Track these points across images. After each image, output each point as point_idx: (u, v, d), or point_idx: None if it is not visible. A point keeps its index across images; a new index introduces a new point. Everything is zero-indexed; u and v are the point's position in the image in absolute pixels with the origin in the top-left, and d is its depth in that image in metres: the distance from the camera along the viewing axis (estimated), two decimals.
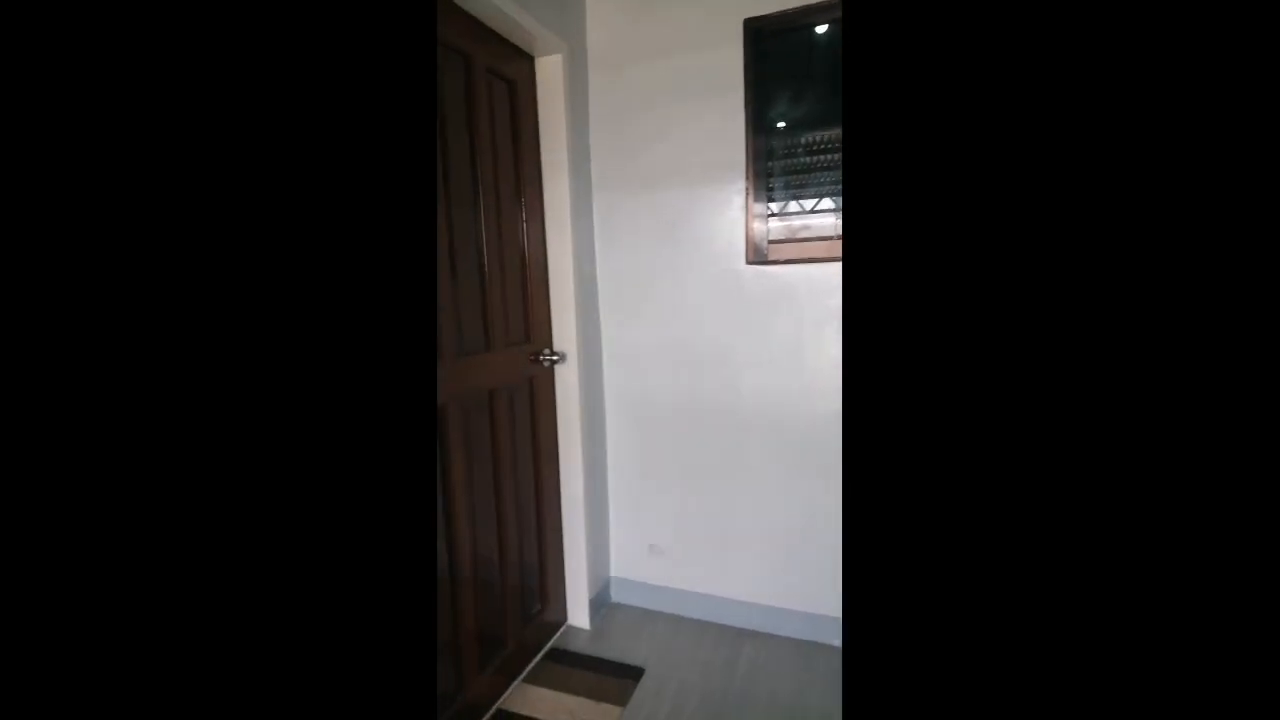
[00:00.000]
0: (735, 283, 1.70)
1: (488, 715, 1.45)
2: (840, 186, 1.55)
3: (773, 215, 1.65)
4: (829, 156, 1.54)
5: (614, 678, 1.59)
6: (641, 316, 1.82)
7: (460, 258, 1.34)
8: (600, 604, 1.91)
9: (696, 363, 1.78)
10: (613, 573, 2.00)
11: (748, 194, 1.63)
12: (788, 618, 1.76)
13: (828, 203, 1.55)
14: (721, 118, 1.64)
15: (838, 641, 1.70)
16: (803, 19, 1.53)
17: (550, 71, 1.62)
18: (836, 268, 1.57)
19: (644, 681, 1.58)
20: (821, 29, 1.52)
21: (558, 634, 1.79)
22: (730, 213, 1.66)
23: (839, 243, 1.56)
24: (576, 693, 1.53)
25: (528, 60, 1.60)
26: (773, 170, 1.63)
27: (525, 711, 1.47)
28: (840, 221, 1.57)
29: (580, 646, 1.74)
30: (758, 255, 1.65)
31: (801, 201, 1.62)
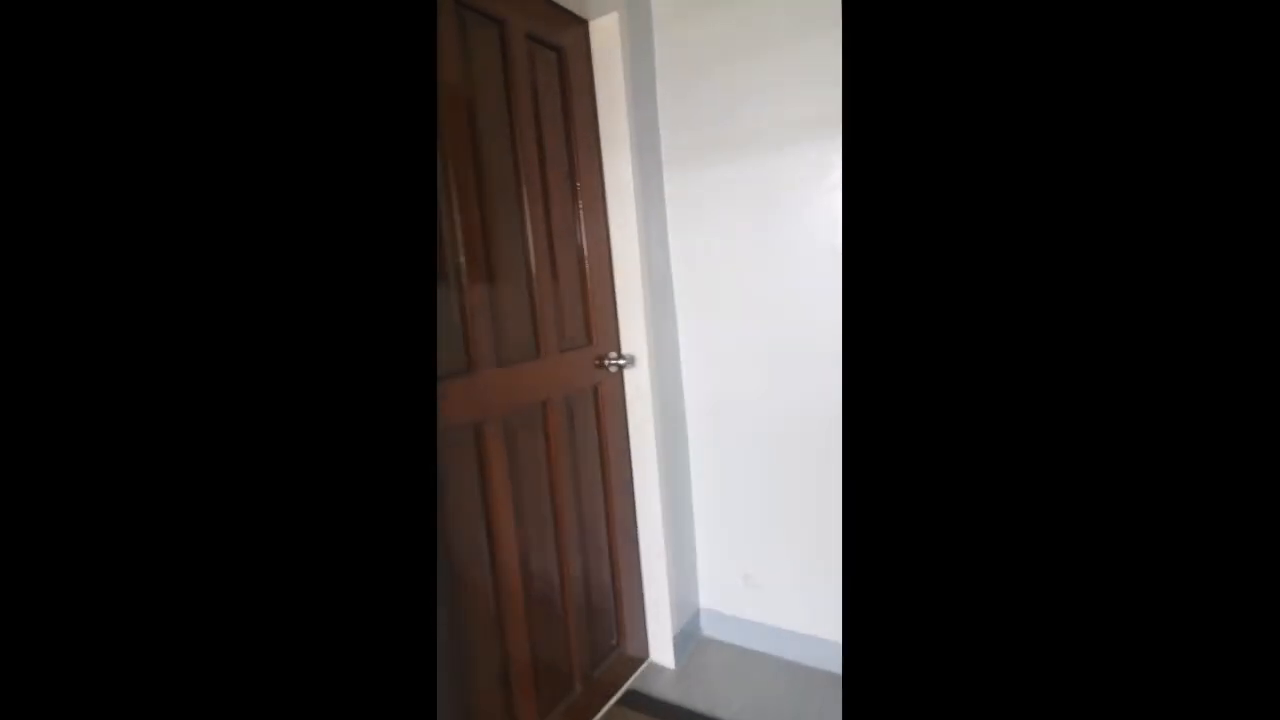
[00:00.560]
0: (838, 266, 1.38)
1: None
2: None
3: None
4: None
5: None
6: (725, 310, 1.56)
7: (500, 257, 1.18)
8: (688, 638, 1.68)
9: (792, 362, 1.48)
10: (703, 603, 1.76)
11: None
12: None
13: None
14: (815, 65, 1.33)
15: None
16: None
17: (605, 34, 1.41)
18: None
19: None
20: None
21: (637, 673, 1.59)
22: (830, 178, 1.34)
23: None
24: None
25: (578, 23, 1.40)
26: None
27: None
28: None
29: (662, 690, 1.53)
30: None
31: None
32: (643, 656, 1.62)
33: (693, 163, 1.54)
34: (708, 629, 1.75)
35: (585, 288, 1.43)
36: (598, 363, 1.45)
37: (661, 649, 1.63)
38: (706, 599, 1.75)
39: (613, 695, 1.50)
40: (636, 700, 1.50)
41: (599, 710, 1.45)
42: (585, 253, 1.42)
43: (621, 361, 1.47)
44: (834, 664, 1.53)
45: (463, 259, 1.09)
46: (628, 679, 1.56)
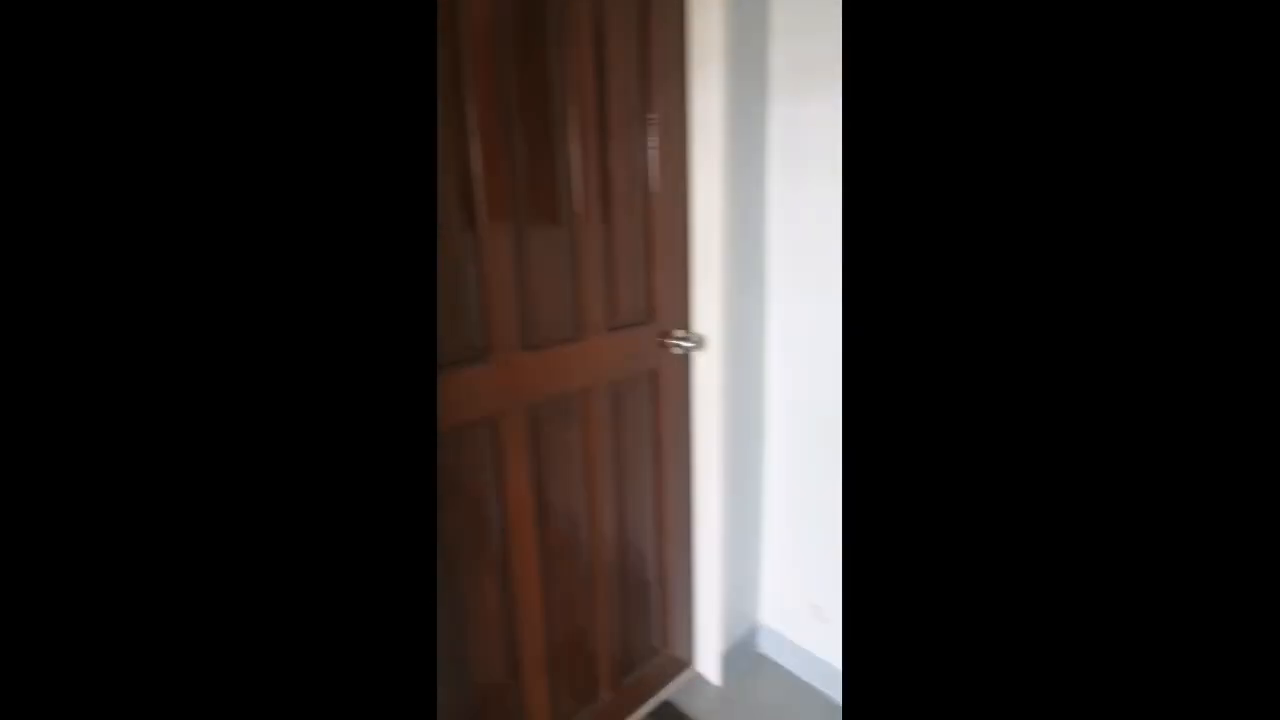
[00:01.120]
0: None
1: None
2: None
3: None
4: None
5: None
6: (830, 289, 1.22)
7: (529, 211, 0.94)
8: (742, 654, 1.49)
9: None
10: (763, 619, 1.54)
11: None
12: None
13: None
14: None
15: None
16: None
17: None
18: None
19: None
20: None
21: (675, 681, 1.43)
22: None
23: None
24: None
25: None
26: None
27: None
28: None
29: (700, 711, 1.36)
30: None
31: None
32: (684, 663, 1.46)
33: (814, 90, 1.16)
34: (766, 648, 1.54)
35: (651, 250, 1.15)
36: (660, 341, 1.20)
37: (707, 660, 1.45)
38: (768, 616, 1.53)
39: (645, 703, 1.36)
40: (668, 715, 1.35)
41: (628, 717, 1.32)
42: (655, 205, 1.13)
43: (689, 343, 1.20)
44: None
45: (482, 202, 0.86)
46: (663, 686, 1.41)
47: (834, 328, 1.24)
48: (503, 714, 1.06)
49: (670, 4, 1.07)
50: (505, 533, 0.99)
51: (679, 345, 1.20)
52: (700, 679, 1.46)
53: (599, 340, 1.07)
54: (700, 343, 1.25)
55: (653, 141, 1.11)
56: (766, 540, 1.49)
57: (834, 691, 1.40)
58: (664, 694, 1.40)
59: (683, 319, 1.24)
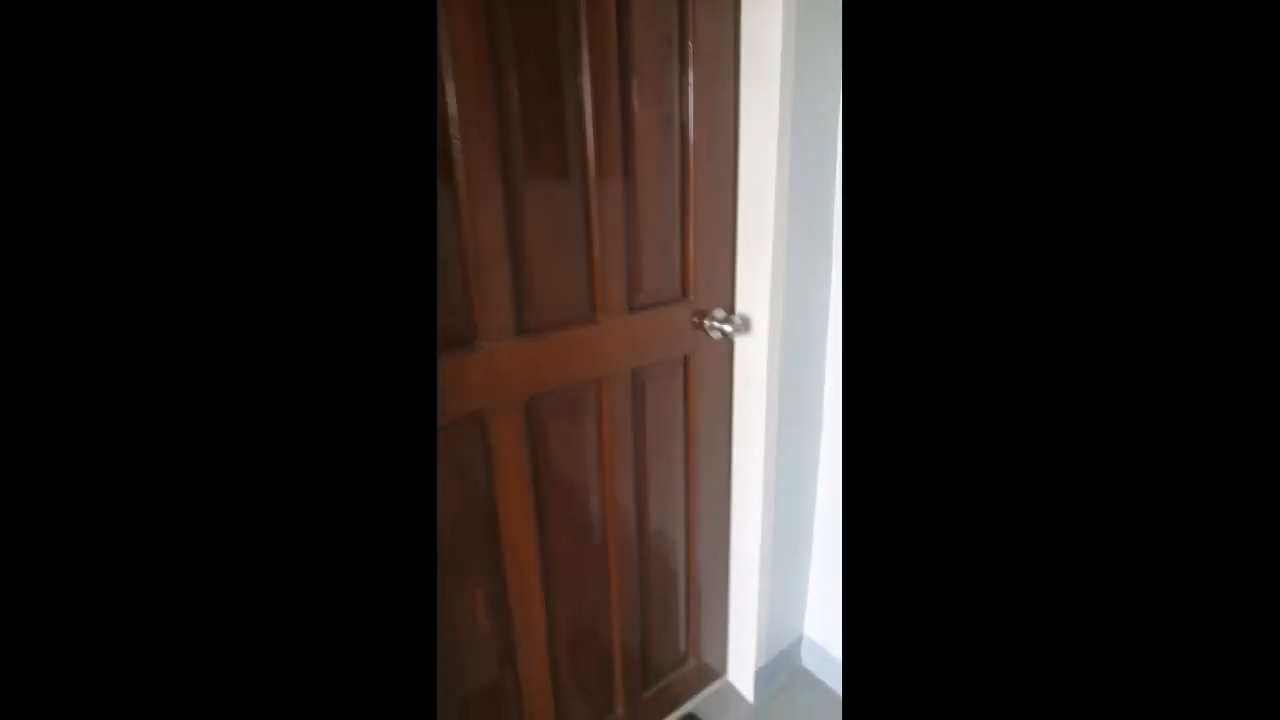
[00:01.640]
0: None
1: None
2: None
3: None
4: None
5: None
6: None
7: (526, 163, 0.76)
8: (781, 667, 1.34)
9: None
10: (807, 631, 1.38)
11: None
12: None
13: None
14: None
15: None
16: None
17: None
18: None
19: None
20: None
21: (705, 692, 1.31)
22: None
23: None
24: None
25: None
26: None
27: None
28: None
29: None
30: None
31: None
32: (716, 673, 1.33)
33: None
34: (809, 662, 1.38)
35: (687, 211, 0.95)
36: (696, 322, 1.01)
37: (741, 672, 1.31)
38: (813, 628, 1.36)
39: (668, 716, 1.24)
40: None
41: None
42: (692, 156, 0.93)
43: (729, 327, 1.01)
44: None
45: (459, 150, 0.70)
46: (691, 698, 1.28)
47: None
48: None
49: None
50: (499, 540, 0.87)
51: (718, 328, 1.01)
52: (732, 691, 1.32)
53: (617, 322, 0.90)
54: (745, 325, 1.05)
55: (691, 76, 0.89)
56: (818, 547, 1.30)
57: None
58: (689, 705, 1.28)
59: (724, 296, 1.05)
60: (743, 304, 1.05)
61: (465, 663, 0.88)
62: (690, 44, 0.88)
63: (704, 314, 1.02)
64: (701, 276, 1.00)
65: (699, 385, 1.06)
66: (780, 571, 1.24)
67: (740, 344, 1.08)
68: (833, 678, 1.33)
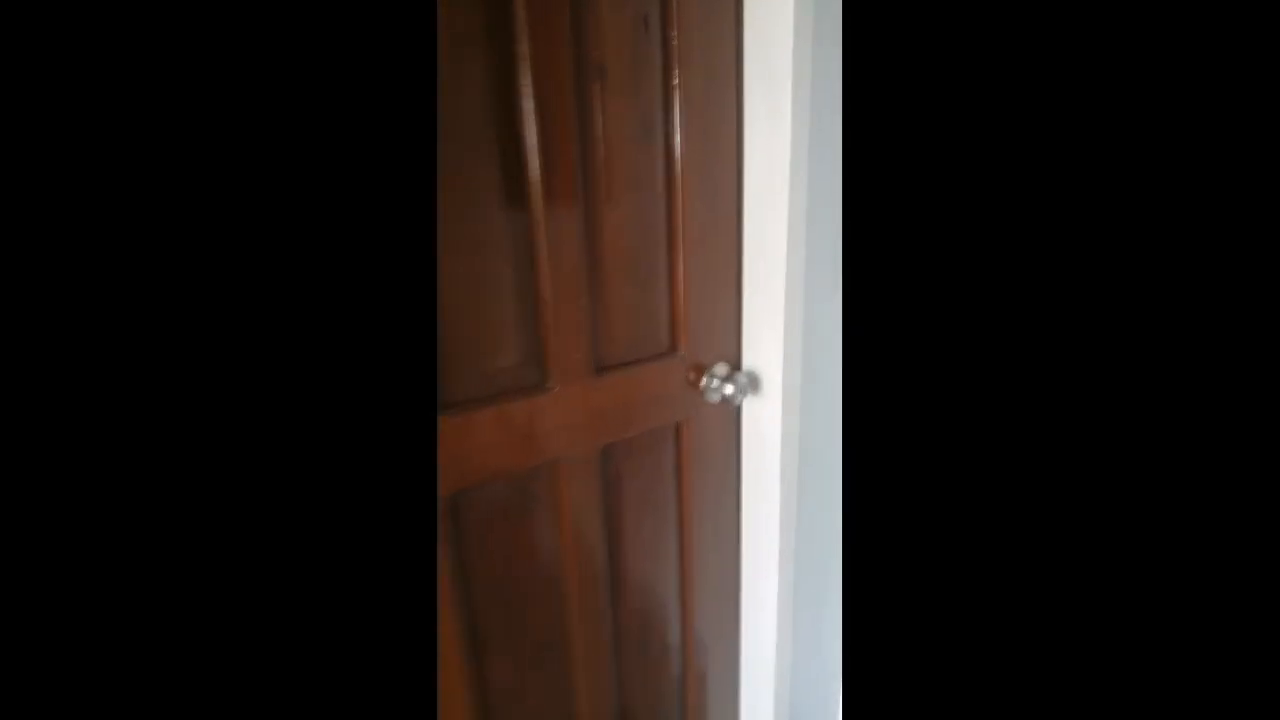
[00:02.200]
0: None
1: None
2: None
3: None
4: None
5: None
6: None
7: (463, 190, 0.57)
8: None
9: None
10: None
11: None
12: None
13: None
14: None
15: None
16: None
17: None
18: None
19: None
20: None
21: None
22: None
23: None
24: None
25: None
26: None
27: None
28: None
29: None
30: None
31: None
32: None
33: None
34: None
35: (674, 245, 0.75)
36: (692, 381, 0.80)
37: None
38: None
39: None
40: None
41: None
42: (680, 175, 0.73)
43: (731, 387, 0.79)
44: None
45: None
46: None
47: None
48: None
49: None
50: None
51: (719, 388, 0.79)
52: None
53: (578, 389, 0.70)
54: (753, 383, 0.83)
55: (677, 74, 0.69)
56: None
57: None
58: None
59: (726, 348, 0.83)
60: (751, 357, 0.83)
61: None
62: (674, 33, 0.68)
63: (701, 371, 0.81)
64: (696, 324, 0.79)
65: (696, 458, 0.84)
66: (800, 678, 1.00)
67: (749, 406, 0.86)
68: None
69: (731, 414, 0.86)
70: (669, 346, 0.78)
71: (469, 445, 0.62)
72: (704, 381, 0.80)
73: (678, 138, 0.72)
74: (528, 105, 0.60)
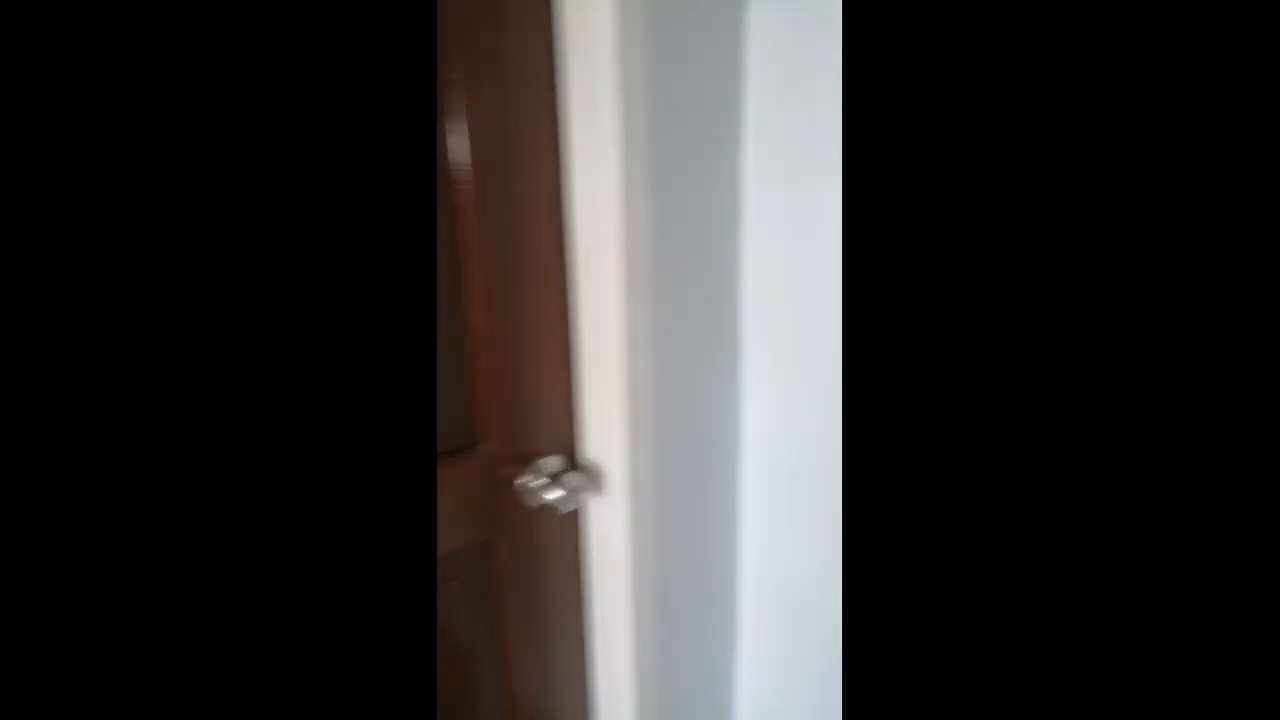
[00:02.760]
0: None
1: None
2: None
3: None
4: None
5: None
6: None
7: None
8: None
9: None
10: None
11: None
12: None
13: None
14: None
15: None
16: None
17: None
18: None
19: None
20: None
21: None
22: None
23: None
24: None
25: None
26: None
27: None
28: None
29: None
30: None
31: None
32: None
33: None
34: None
35: (465, 301, 0.55)
36: (504, 480, 0.59)
37: None
38: None
39: None
40: None
41: None
42: (467, 212, 0.53)
43: (560, 490, 0.58)
44: None
45: None
46: None
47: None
48: None
49: None
50: None
51: (545, 491, 0.58)
52: None
53: None
54: (593, 480, 0.63)
55: (451, 73, 0.51)
56: None
57: None
58: None
59: (555, 435, 0.62)
60: (592, 446, 0.63)
61: None
62: (455, 50, 0.50)
63: (519, 468, 0.60)
64: (509, 405, 0.58)
65: (517, 590, 0.62)
66: None
67: (594, 513, 0.65)
68: None
69: (567, 523, 0.65)
70: (466, 439, 0.57)
71: None
72: (520, 482, 0.59)
73: (465, 161, 0.52)
74: None
